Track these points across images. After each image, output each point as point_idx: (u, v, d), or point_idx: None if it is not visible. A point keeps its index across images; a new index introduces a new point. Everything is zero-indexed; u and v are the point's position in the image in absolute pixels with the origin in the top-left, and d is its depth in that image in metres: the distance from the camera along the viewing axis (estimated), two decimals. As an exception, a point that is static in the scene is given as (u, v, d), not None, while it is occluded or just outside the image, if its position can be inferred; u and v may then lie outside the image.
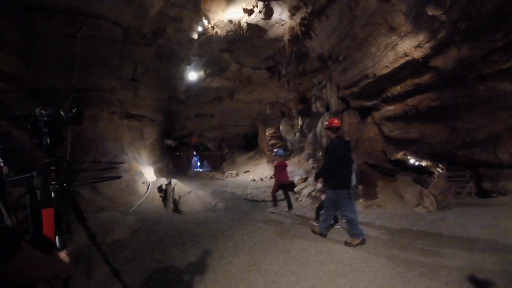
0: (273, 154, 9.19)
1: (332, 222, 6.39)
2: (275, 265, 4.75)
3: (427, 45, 7.30)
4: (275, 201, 8.70)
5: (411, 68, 8.37)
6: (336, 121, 5.89)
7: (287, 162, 9.50)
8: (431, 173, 11.43)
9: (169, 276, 4.47)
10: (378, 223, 7.00)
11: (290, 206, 8.32)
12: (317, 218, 6.77)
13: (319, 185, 6.40)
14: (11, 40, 6.86)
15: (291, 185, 8.96)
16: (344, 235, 5.96)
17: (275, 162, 9.02)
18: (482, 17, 5.89)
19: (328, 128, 5.86)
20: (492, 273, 4.30)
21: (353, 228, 5.65)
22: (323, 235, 5.98)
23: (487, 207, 8.10)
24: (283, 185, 8.48)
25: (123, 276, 4.19)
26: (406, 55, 8.01)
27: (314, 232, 6.16)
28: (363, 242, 5.55)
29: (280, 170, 8.50)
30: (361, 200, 9.29)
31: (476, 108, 8.55)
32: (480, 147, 9.66)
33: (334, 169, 5.53)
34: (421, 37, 7.29)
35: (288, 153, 15.10)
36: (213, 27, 10.94)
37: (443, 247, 5.40)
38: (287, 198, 8.45)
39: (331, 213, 5.98)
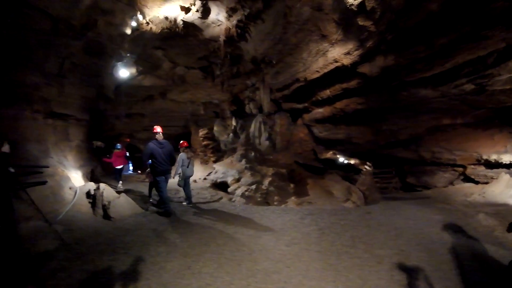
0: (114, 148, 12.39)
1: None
2: (209, 267, 4.74)
3: (355, 52, 7.77)
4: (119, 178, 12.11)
5: (340, 73, 8.83)
6: (156, 128, 8.10)
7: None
8: (359, 171, 12.18)
9: (100, 287, 4.24)
10: (309, 219, 7.30)
11: (118, 180, 11.83)
12: (149, 195, 9.40)
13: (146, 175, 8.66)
14: None
15: (122, 169, 12.39)
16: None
17: (114, 152, 12.25)
18: (408, 29, 6.37)
19: (153, 132, 8.03)
20: (420, 260, 4.74)
21: (162, 204, 7.88)
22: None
23: (411, 200, 8.88)
24: (117, 168, 12.01)
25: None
26: (335, 61, 8.47)
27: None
28: (167, 214, 7.62)
29: (116, 158, 11.94)
30: (293, 198, 9.61)
31: (399, 112, 9.28)
32: (403, 146, 10.58)
33: (154, 162, 7.67)
34: (350, 45, 7.75)
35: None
36: (148, 23, 10.56)
37: (372, 238, 5.85)
38: (119, 176, 12.02)
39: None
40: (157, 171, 7.75)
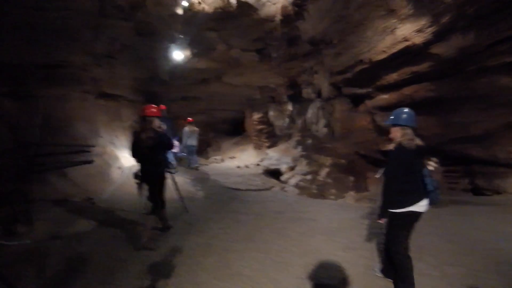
0: None
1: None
2: (251, 268, 4.19)
3: (429, 30, 6.74)
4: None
5: (409, 54, 7.81)
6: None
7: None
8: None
9: (127, 280, 3.89)
10: (370, 219, 6.44)
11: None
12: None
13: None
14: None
15: None
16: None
17: None
18: (492, 0, 5.30)
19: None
20: (497, 284, 3.78)
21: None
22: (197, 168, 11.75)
23: (482, 206, 7.62)
24: None
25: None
26: (405, 40, 7.44)
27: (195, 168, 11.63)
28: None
29: None
30: (351, 192, 8.84)
31: (473, 103, 8.06)
32: (475, 143, 9.20)
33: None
34: (422, 21, 6.71)
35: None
36: (200, 3, 10.14)
37: (441, 251, 4.87)
38: None
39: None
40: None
